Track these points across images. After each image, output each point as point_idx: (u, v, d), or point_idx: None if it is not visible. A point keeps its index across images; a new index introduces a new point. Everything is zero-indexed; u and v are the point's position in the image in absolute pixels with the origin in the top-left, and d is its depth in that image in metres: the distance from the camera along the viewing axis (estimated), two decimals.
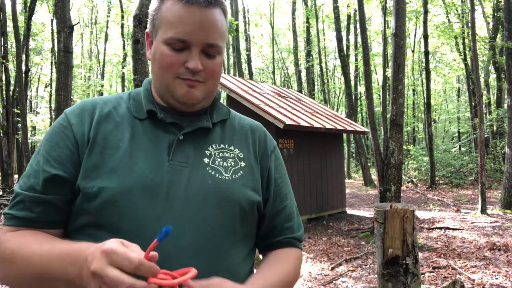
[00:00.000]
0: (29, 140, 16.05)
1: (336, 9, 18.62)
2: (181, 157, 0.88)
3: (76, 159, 0.84)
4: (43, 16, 25.05)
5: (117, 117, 0.91)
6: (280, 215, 0.98)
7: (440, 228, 7.62)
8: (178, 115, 0.94)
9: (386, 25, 13.72)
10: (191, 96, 0.89)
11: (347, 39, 21.89)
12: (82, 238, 0.79)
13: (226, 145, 0.96)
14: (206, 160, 0.92)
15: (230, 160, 0.94)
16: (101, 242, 0.69)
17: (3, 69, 12.66)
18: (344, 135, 15.55)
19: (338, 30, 18.13)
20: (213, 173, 0.90)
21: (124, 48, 24.12)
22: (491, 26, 17.31)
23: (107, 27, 26.86)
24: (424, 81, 19.69)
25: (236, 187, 0.90)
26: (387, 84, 9.98)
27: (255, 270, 0.94)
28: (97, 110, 0.91)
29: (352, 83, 20.34)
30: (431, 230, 7.55)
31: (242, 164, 0.95)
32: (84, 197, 0.81)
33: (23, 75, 12.98)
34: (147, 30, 0.95)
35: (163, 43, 0.87)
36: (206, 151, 0.93)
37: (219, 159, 0.93)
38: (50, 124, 20.94)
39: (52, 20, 19.43)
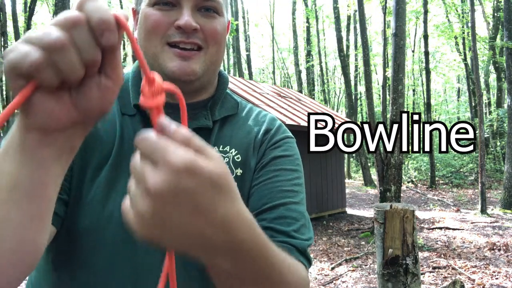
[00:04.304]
0: None
1: (336, 9, 18.66)
2: None
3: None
4: (43, 16, 25.04)
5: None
6: (269, 214, 0.70)
7: (440, 228, 7.62)
8: (173, 108, 0.69)
9: (386, 25, 13.71)
10: (185, 69, 0.70)
11: (347, 39, 21.91)
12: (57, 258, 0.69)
13: (221, 146, 0.76)
14: None
15: None
16: (72, 276, 0.65)
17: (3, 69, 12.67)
18: None
19: (338, 30, 18.14)
20: None
21: (124, 48, 24.09)
22: (491, 26, 17.31)
23: None
24: (424, 81, 19.69)
25: None
26: (387, 84, 9.98)
27: None
28: None
29: (352, 83, 20.32)
30: (431, 230, 7.55)
31: (238, 171, 0.74)
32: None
33: None
34: (132, 6, 0.78)
35: (148, 5, 0.71)
36: None
37: None
38: None
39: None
